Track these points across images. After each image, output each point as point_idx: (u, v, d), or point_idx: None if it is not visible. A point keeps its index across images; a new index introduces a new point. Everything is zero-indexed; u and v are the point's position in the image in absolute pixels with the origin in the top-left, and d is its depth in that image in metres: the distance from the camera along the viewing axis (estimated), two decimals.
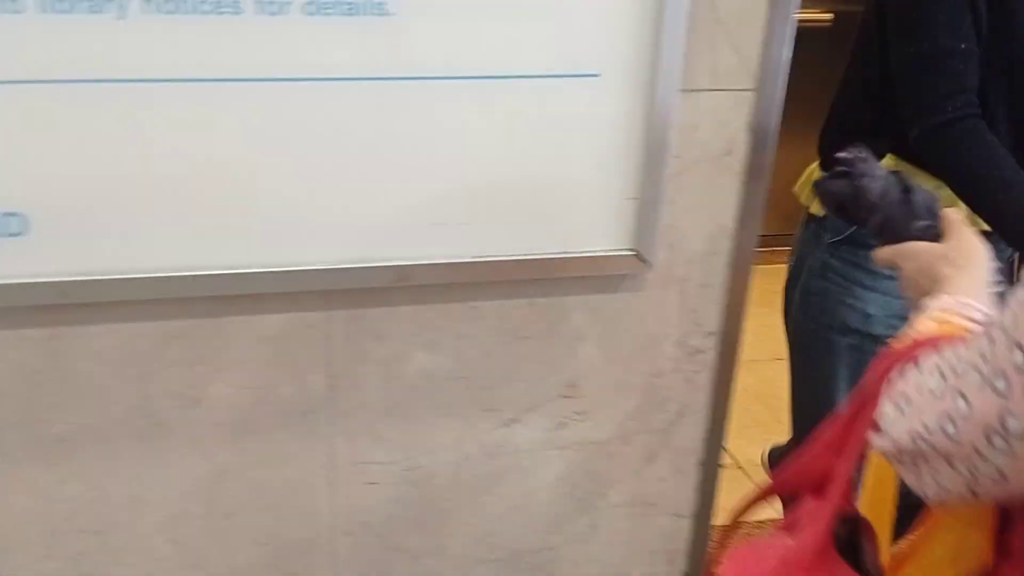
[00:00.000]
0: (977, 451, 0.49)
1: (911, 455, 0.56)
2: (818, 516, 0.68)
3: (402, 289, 1.09)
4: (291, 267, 1.04)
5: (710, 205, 1.16)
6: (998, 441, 0.47)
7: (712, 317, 1.23)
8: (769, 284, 3.51)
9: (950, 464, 0.52)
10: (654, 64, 1.04)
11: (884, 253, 0.83)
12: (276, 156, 0.99)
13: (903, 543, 0.72)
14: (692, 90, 1.09)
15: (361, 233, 1.05)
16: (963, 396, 0.50)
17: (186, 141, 0.96)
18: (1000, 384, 0.47)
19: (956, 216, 0.82)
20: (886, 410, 0.59)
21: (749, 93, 1.11)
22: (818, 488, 0.71)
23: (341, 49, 0.96)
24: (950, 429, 0.51)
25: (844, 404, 0.70)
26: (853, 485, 0.71)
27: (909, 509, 0.70)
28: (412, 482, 1.20)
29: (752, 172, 1.15)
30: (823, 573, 0.67)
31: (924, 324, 0.68)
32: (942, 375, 0.53)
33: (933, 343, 0.61)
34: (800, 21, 3.55)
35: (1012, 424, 0.46)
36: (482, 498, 1.24)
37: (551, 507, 1.27)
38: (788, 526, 0.73)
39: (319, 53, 0.95)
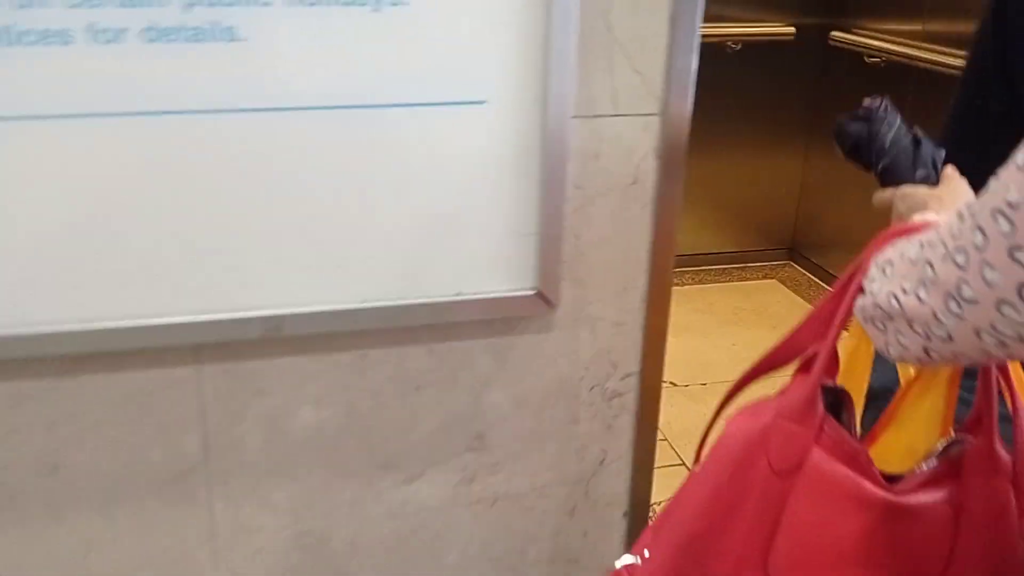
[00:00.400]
0: (935, 314, 0.56)
1: (884, 315, 0.63)
2: (807, 380, 0.74)
3: (280, 340, 0.99)
4: (151, 320, 0.94)
5: (619, 238, 1.07)
6: (953, 306, 0.54)
7: (630, 357, 1.14)
8: (738, 302, 3.43)
9: (911, 326, 0.59)
10: (545, 89, 0.96)
11: (884, 194, 0.88)
12: (122, 199, 0.90)
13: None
14: (592, 116, 1.01)
15: (227, 281, 0.95)
16: (931, 265, 0.57)
17: (16, 185, 0.86)
18: (960, 258, 0.54)
19: (954, 171, 0.86)
20: (872, 272, 0.66)
21: (654, 118, 1.03)
22: (807, 362, 0.77)
23: (188, 79, 0.87)
24: (922, 293, 0.58)
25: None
26: (837, 356, 0.77)
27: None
28: (305, 548, 1.10)
29: (662, 202, 1.07)
30: (810, 422, 0.72)
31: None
32: (921, 246, 0.60)
33: (924, 227, 0.68)
34: (762, 35, 3.49)
35: (966, 291, 0.53)
36: (385, 562, 1.14)
37: (464, 569, 1.17)
38: (782, 393, 0.77)
39: (163, 84, 0.86)
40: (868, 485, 0.71)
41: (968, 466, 0.73)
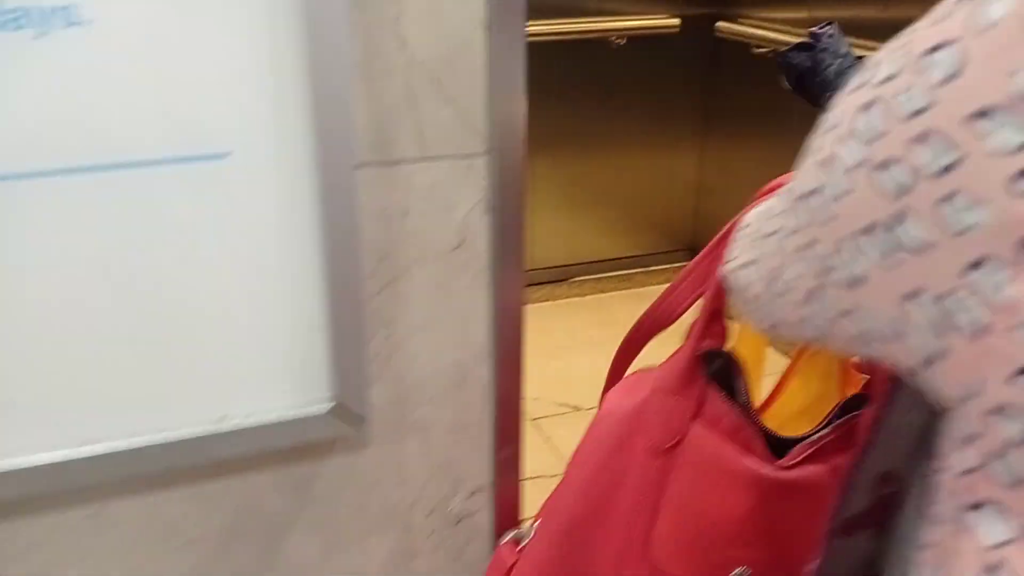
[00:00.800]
0: (763, 295, 0.49)
1: (733, 285, 0.56)
2: (685, 349, 0.69)
3: None
4: None
5: (448, 318, 0.81)
6: (775, 287, 0.47)
7: (477, 468, 0.87)
8: (641, 310, 3.25)
9: (756, 300, 0.51)
10: (314, 131, 0.68)
11: None
12: None
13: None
14: (390, 162, 0.74)
15: None
16: (762, 238, 0.49)
17: None
18: (774, 240, 0.46)
19: None
20: (734, 238, 0.59)
21: (479, 159, 0.77)
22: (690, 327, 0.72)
23: None
24: (755, 270, 0.50)
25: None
26: (722, 319, 0.71)
27: None
28: None
29: (501, 265, 0.81)
30: (689, 395, 0.67)
31: None
32: (767, 212, 0.51)
33: None
34: (646, 28, 3.31)
35: (787, 273, 0.45)
36: None
37: None
38: (663, 365, 0.72)
39: None
40: (751, 462, 0.66)
41: (860, 435, 0.67)
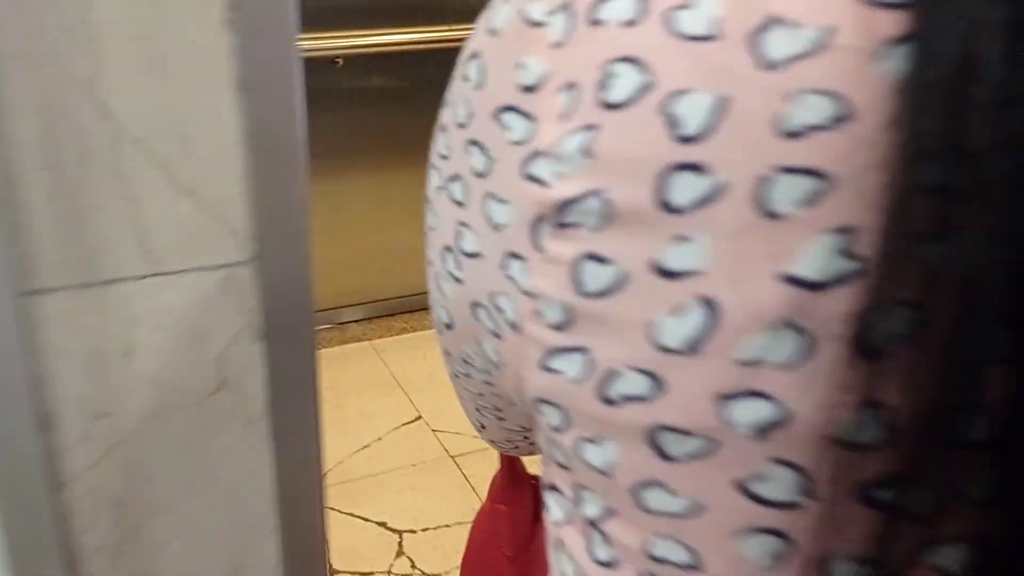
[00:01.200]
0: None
1: None
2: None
3: None
4: None
5: (210, 486, 0.58)
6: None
7: None
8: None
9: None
10: None
11: None
12: None
13: None
14: (97, 284, 0.50)
15: None
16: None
17: None
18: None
19: None
20: None
21: (242, 269, 0.54)
22: None
23: None
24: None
25: None
26: None
27: None
28: None
29: (284, 407, 0.58)
30: (523, 500, 0.62)
31: None
32: None
33: None
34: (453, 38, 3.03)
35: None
36: None
37: None
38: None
39: None
40: None
41: None
